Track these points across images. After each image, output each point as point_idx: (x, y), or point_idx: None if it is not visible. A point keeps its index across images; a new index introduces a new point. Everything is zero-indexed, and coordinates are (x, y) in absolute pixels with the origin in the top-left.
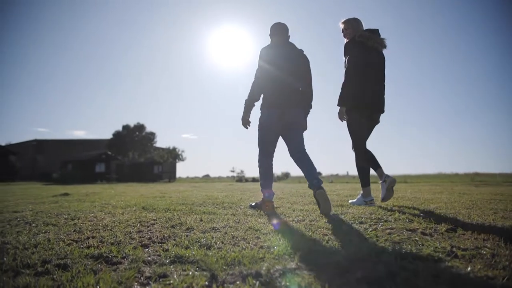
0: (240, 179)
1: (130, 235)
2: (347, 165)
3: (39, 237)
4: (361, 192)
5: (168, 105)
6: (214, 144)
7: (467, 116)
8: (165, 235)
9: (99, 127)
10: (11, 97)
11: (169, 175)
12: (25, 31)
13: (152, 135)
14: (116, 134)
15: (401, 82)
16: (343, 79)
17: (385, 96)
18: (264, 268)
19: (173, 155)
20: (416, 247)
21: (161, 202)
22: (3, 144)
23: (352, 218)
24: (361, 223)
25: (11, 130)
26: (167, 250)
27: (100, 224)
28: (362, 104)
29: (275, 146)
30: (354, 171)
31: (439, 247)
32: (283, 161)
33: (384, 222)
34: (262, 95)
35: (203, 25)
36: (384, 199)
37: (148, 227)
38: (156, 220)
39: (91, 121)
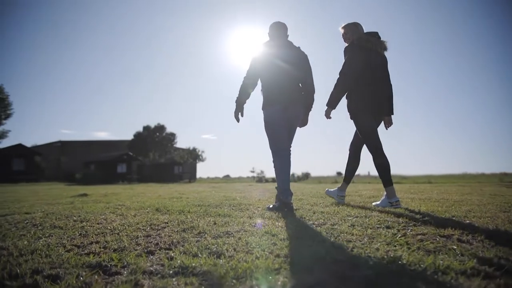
0: (260, 179)
1: (136, 240)
2: (368, 165)
3: (40, 242)
4: (385, 193)
5: (188, 106)
6: (234, 145)
7: (494, 114)
8: (174, 240)
9: (121, 128)
10: (37, 101)
11: (190, 175)
12: (49, 35)
13: (172, 136)
14: (137, 135)
15: (425, 80)
16: (337, 81)
17: (392, 98)
18: (279, 283)
19: (193, 156)
20: (456, 257)
21: (177, 203)
22: (29, 145)
23: (378, 221)
24: (388, 227)
25: (37, 132)
26: (172, 258)
27: (108, 227)
28: (366, 106)
29: (287, 142)
30: (375, 171)
31: (483, 258)
32: (302, 161)
33: (413, 226)
34: (262, 93)
35: (224, 25)
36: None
37: (157, 230)
38: (167, 223)
39: (113, 123)
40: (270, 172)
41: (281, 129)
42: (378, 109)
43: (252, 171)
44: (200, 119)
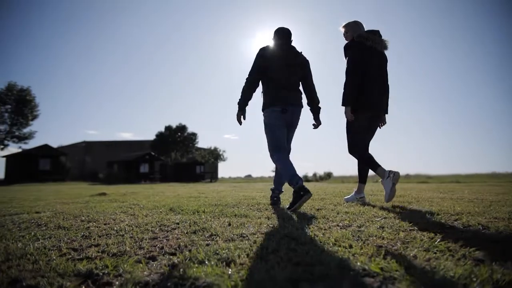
0: None
1: (140, 243)
2: (392, 164)
3: (35, 245)
4: (355, 189)
5: (210, 106)
6: (256, 145)
7: None
8: (181, 243)
9: (144, 128)
10: (63, 102)
11: (211, 175)
12: (74, 38)
13: (193, 136)
14: (159, 135)
15: (450, 79)
16: (345, 81)
17: (389, 97)
18: None
19: (214, 155)
20: None
21: (193, 202)
22: (55, 146)
23: (410, 223)
24: (422, 229)
25: (64, 133)
26: (175, 266)
27: (114, 228)
28: (363, 104)
29: (285, 142)
30: (398, 171)
31: None
32: (324, 160)
33: (450, 228)
34: (263, 96)
35: (249, 24)
36: (389, 199)
37: (166, 232)
38: (178, 224)
39: (137, 123)
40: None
41: (280, 130)
42: (375, 107)
43: (274, 171)
44: (221, 119)
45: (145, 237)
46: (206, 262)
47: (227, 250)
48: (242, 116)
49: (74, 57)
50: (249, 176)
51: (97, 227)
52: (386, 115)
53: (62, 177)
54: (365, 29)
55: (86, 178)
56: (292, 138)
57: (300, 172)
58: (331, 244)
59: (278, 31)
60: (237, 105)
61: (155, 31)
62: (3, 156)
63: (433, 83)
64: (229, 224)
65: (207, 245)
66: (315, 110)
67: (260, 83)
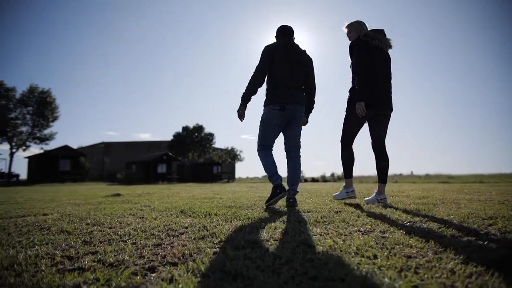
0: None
1: (142, 250)
2: (411, 164)
3: (29, 252)
4: (344, 184)
5: (227, 106)
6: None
7: None
8: (186, 252)
9: (162, 129)
10: (83, 104)
11: (228, 175)
12: (92, 41)
13: (210, 136)
14: (176, 136)
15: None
16: (357, 78)
17: (391, 95)
18: None
19: (231, 156)
20: None
21: (206, 204)
22: (74, 147)
23: (439, 228)
24: (454, 236)
25: (84, 134)
26: (173, 280)
27: (119, 233)
28: (368, 103)
29: (273, 142)
30: (418, 171)
31: None
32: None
33: (486, 235)
34: (265, 92)
35: (262, 24)
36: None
37: (172, 237)
38: (187, 228)
39: (155, 124)
40: (309, 171)
41: (274, 128)
42: (379, 105)
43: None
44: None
45: (148, 244)
46: (210, 274)
47: (235, 260)
48: (243, 113)
49: (94, 59)
50: (266, 176)
51: (101, 231)
52: (391, 112)
53: (82, 177)
54: (369, 29)
55: (105, 179)
56: (298, 135)
57: (317, 172)
58: (353, 253)
59: (280, 29)
60: (240, 99)
61: (173, 32)
62: (26, 157)
63: (455, 82)
64: (241, 229)
65: (214, 253)
66: (308, 108)
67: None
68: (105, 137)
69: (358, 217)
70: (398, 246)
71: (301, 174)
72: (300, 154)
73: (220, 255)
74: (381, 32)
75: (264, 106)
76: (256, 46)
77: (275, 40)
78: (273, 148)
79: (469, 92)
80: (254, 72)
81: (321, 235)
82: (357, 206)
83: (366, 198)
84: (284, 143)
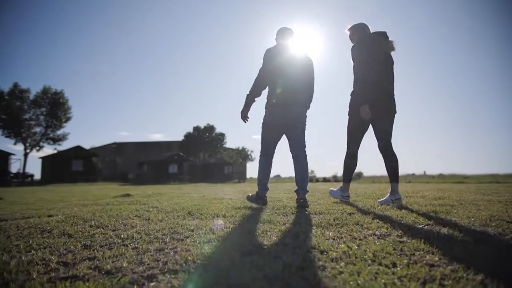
0: (311, 179)
1: (143, 256)
2: (424, 164)
3: (24, 258)
4: (340, 186)
5: (238, 106)
6: (284, 145)
7: None
8: (190, 258)
9: (173, 129)
10: (96, 105)
11: (239, 175)
12: (106, 42)
13: (221, 136)
14: (187, 136)
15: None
16: (360, 82)
17: (394, 97)
18: None
19: (242, 156)
20: None
21: (215, 205)
22: (87, 147)
23: (461, 233)
24: (478, 241)
25: (96, 135)
26: None
27: (121, 236)
28: (370, 105)
29: (276, 144)
30: (431, 170)
31: None
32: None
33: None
34: (267, 95)
35: (274, 24)
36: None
37: (177, 241)
38: (193, 231)
39: (167, 124)
40: (320, 171)
41: (274, 132)
42: (382, 105)
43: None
44: (250, 119)
45: (150, 248)
46: (213, 286)
47: (241, 269)
48: (247, 112)
49: (106, 59)
50: (278, 176)
51: (104, 234)
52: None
53: (94, 177)
54: (372, 31)
55: (117, 179)
56: (301, 136)
57: (329, 172)
58: (369, 260)
59: (280, 31)
60: (244, 100)
61: (185, 32)
62: (40, 158)
63: (468, 80)
64: (249, 232)
65: (219, 259)
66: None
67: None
68: (117, 138)
69: (373, 219)
70: (418, 253)
71: (313, 175)
72: (306, 153)
73: (226, 262)
74: (383, 35)
75: (266, 108)
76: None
77: (276, 42)
78: (274, 152)
79: (481, 91)
80: (257, 75)
81: (334, 239)
82: (371, 208)
83: (380, 200)
84: (289, 145)
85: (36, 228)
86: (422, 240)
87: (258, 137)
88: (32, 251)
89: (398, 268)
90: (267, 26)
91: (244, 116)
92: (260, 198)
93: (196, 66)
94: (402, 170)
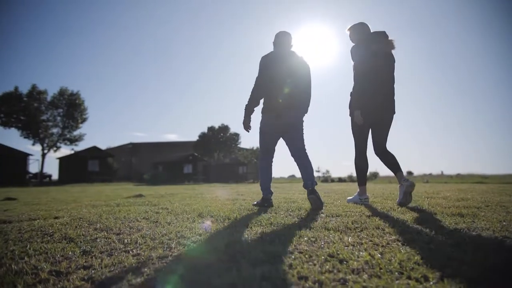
0: (326, 179)
1: (143, 264)
2: (441, 163)
3: (14, 266)
4: (358, 190)
5: None
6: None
7: None
8: (194, 267)
9: (188, 129)
10: (112, 106)
11: (254, 175)
12: (121, 43)
13: (236, 136)
14: (202, 136)
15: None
16: (354, 85)
17: (394, 98)
18: None
19: (257, 156)
20: None
21: (228, 207)
22: (103, 148)
23: (494, 237)
24: None
25: (112, 135)
26: None
27: (124, 241)
28: (367, 108)
29: (274, 149)
30: (449, 170)
31: None
32: (370, 160)
33: None
34: (262, 101)
35: (287, 23)
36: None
37: (182, 247)
38: (201, 235)
39: (181, 124)
40: (336, 171)
41: (269, 137)
42: (380, 108)
43: (317, 171)
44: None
45: (153, 256)
46: None
47: (249, 282)
48: (248, 124)
49: (122, 61)
50: (293, 176)
51: (106, 238)
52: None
53: (110, 177)
54: (372, 30)
55: (132, 179)
56: (298, 140)
57: (345, 172)
58: (396, 272)
59: (277, 36)
60: (244, 111)
61: (201, 33)
62: (57, 158)
63: (483, 81)
64: (261, 237)
65: (227, 270)
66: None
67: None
68: (133, 138)
69: (394, 223)
70: (451, 263)
71: (328, 175)
72: (306, 152)
73: (233, 272)
74: (381, 34)
75: (262, 114)
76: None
77: (273, 46)
78: (273, 156)
79: (494, 91)
80: (254, 85)
81: (353, 245)
82: (390, 210)
83: (398, 200)
84: (289, 150)
85: (38, 231)
86: (453, 247)
87: None
88: (26, 257)
89: (431, 283)
90: (284, 24)
91: (247, 127)
92: (265, 201)
93: (211, 67)
94: (419, 170)
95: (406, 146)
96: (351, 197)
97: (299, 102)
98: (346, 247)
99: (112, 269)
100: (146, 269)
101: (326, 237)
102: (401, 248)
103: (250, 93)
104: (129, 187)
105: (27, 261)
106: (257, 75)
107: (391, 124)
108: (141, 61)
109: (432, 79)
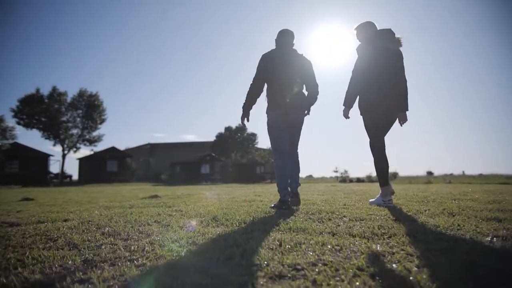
0: (344, 179)
1: (144, 278)
2: (462, 164)
3: (5, 279)
4: (380, 191)
5: None
6: (316, 145)
7: None
8: (204, 283)
9: (206, 130)
10: (132, 107)
11: (272, 175)
12: (139, 45)
13: (253, 136)
14: (219, 136)
15: None
16: (350, 83)
17: (404, 95)
18: None
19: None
20: None
21: (244, 209)
22: (122, 148)
23: None
24: None
25: (131, 136)
26: None
27: (131, 248)
28: (374, 104)
29: (286, 146)
30: (470, 171)
31: None
32: (389, 160)
33: None
34: (267, 100)
35: (302, 24)
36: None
37: (193, 256)
38: (215, 241)
39: (199, 125)
40: (354, 171)
41: (282, 133)
42: (388, 106)
43: (336, 171)
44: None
45: (159, 266)
46: None
47: None
48: (246, 119)
49: (141, 62)
50: (310, 176)
51: (112, 245)
52: (407, 112)
53: (128, 178)
54: (378, 28)
55: (150, 179)
56: (298, 139)
57: (364, 172)
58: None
59: (279, 34)
60: (242, 109)
61: (217, 33)
62: (78, 159)
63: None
64: (280, 245)
65: (241, 285)
66: (307, 104)
67: (265, 87)
68: (151, 139)
69: (425, 228)
70: (507, 281)
71: (346, 175)
72: (298, 152)
73: None
74: (387, 32)
75: (267, 112)
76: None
77: (275, 45)
78: (287, 154)
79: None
80: (251, 83)
81: (383, 255)
82: (417, 213)
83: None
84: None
85: (42, 236)
86: (500, 260)
87: None
88: (20, 268)
89: None
90: (301, 24)
91: (243, 123)
92: (283, 203)
93: (229, 67)
94: (440, 171)
95: (426, 146)
96: (373, 199)
97: (303, 101)
98: (375, 258)
99: (111, 283)
100: (148, 285)
101: (352, 245)
102: (439, 260)
103: (247, 92)
104: (146, 188)
105: (20, 272)
106: (255, 72)
107: (394, 121)
108: (159, 62)
109: (452, 78)
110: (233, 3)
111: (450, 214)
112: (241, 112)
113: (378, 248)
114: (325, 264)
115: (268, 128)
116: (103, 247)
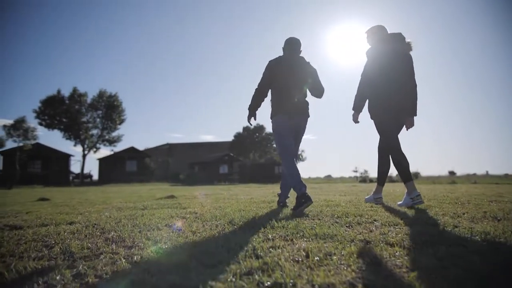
0: (364, 179)
1: None
2: (486, 163)
3: None
4: (406, 191)
5: None
6: (335, 144)
7: None
8: None
9: (224, 130)
10: (151, 107)
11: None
12: (157, 47)
13: (271, 136)
14: (237, 136)
15: None
16: (359, 87)
17: (415, 98)
18: None
19: None
20: None
21: (264, 210)
22: (141, 148)
23: None
24: None
25: (150, 136)
26: None
27: (133, 259)
28: (383, 108)
29: (293, 149)
30: (494, 170)
31: None
32: (410, 159)
33: None
34: (271, 104)
35: (320, 23)
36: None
37: (204, 268)
38: (230, 252)
39: (217, 125)
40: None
41: (287, 137)
42: (397, 110)
43: (355, 171)
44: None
45: (172, 280)
46: None
47: None
48: (252, 118)
49: (160, 62)
50: (329, 176)
51: (113, 254)
52: (415, 116)
53: (147, 178)
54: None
55: (169, 179)
56: (299, 144)
57: None
58: None
59: (286, 42)
60: (248, 110)
61: (236, 34)
62: (97, 159)
63: None
64: (307, 256)
65: None
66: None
67: (270, 92)
68: (170, 139)
69: (472, 235)
70: None
71: (366, 175)
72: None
73: None
74: (397, 36)
75: (272, 117)
76: (317, 46)
77: (283, 52)
78: (294, 155)
79: None
80: (257, 87)
81: (435, 270)
82: (455, 216)
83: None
84: None
85: (38, 242)
86: None
87: (308, 137)
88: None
89: None
90: (318, 25)
91: (250, 123)
92: (301, 197)
93: (247, 67)
94: (463, 171)
95: (447, 145)
96: (401, 202)
97: (307, 108)
98: (425, 275)
99: None
100: None
101: (393, 257)
102: (504, 277)
103: (252, 95)
104: (164, 187)
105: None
106: (261, 77)
107: (403, 124)
108: (178, 62)
109: (476, 78)
110: (252, 3)
111: (495, 219)
112: (247, 113)
113: (424, 261)
114: (364, 284)
115: (274, 132)
116: (102, 256)
